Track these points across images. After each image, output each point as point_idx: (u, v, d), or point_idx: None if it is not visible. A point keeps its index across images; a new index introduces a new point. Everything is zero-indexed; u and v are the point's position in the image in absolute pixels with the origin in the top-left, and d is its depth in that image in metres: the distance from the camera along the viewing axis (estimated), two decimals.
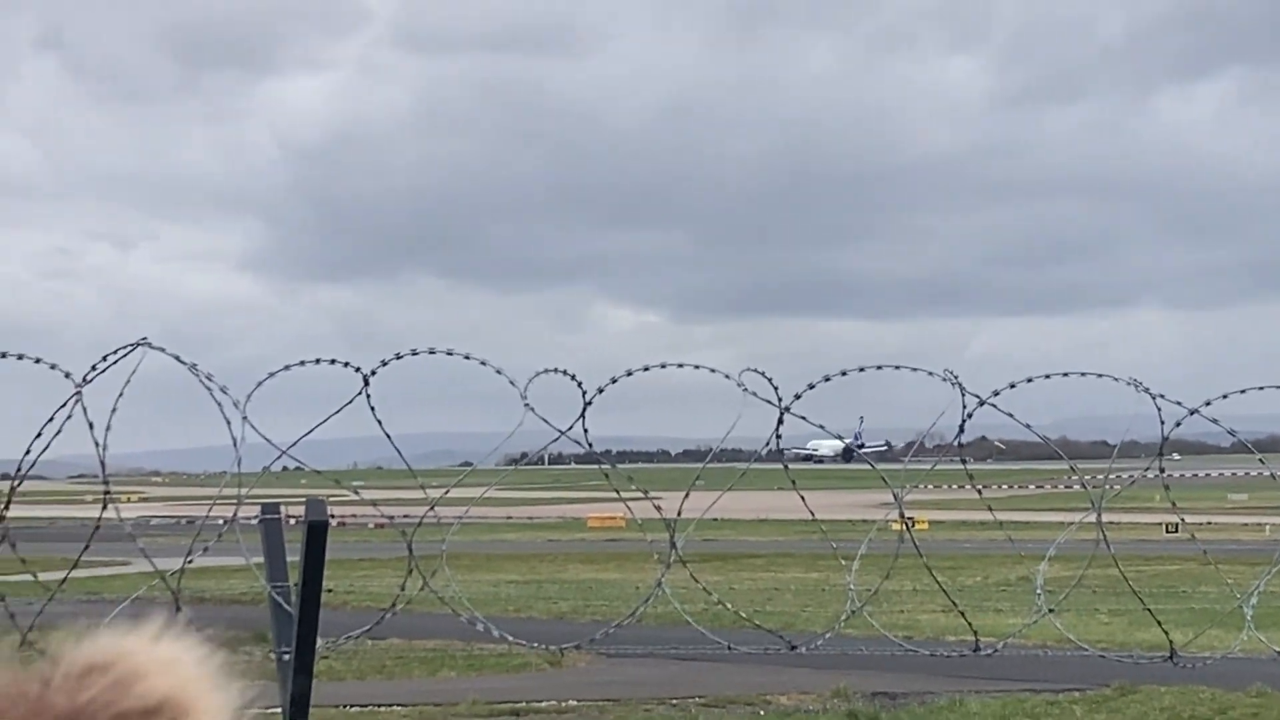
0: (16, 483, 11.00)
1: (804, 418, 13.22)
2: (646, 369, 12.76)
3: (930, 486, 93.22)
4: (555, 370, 12.42)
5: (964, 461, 14.53)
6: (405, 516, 14.07)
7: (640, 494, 13.42)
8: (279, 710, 11.11)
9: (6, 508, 10.97)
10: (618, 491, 13.89)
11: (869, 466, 15.46)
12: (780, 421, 13.16)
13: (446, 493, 12.26)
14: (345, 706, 29.72)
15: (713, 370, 12.91)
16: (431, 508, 12.08)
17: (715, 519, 42.84)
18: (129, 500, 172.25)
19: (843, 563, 14.85)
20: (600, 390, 12.35)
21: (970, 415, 13.94)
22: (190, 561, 11.17)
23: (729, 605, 14.97)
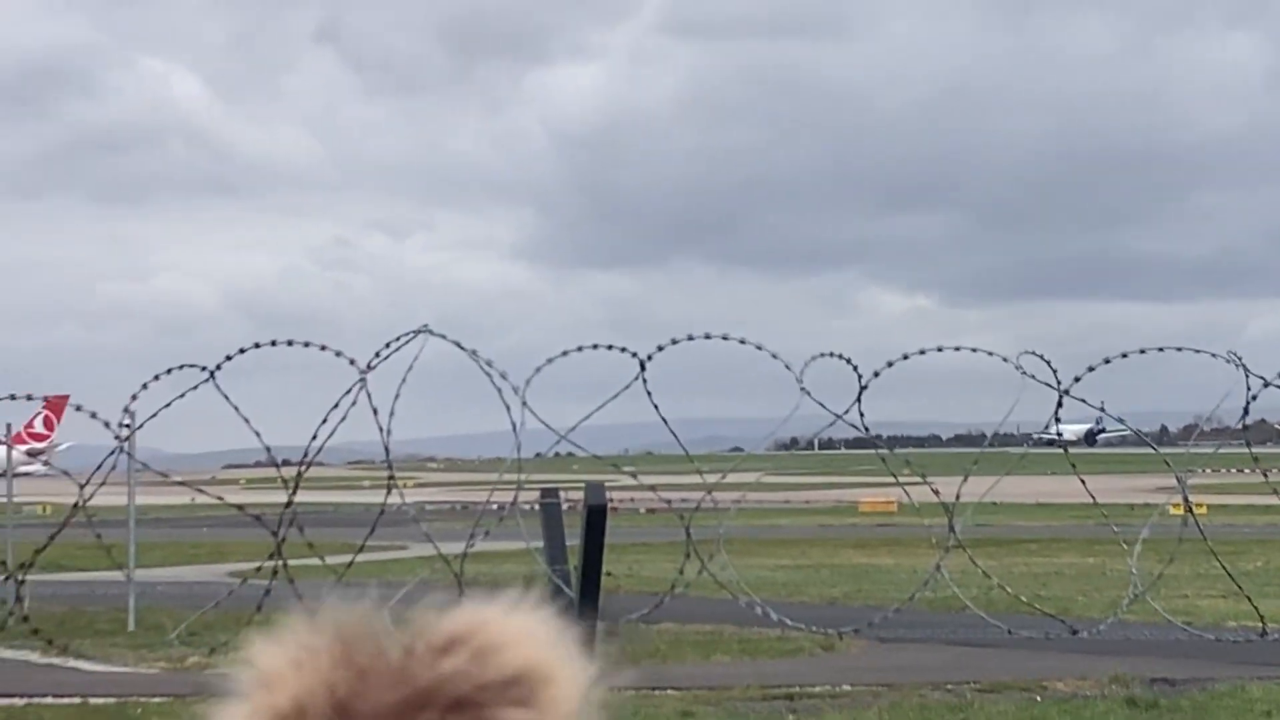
0: (304, 468, 11.26)
1: (1084, 400, 13.10)
2: (923, 352, 12.73)
3: (1207, 470, 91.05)
4: (831, 355, 12.43)
5: (1248, 444, 14.28)
6: (683, 500, 14.15)
7: (918, 478, 13.37)
8: None
9: (294, 493, 11.23)
10: (895, 476, 13.89)
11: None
12: (1059, 404, 13.06)
13: (724, 478, 12.34)
14: (619, 690, 29.97)
15: (990, 353, 12.87)
16: (709, 492, 12.16)
17: (993, 503, 42.38)
18: (406, 485, 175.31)
19: (1124, 546, 14.70)
20: (876, 374, 12.36)
21: (1255, 397, 13.73)
22: (472, 545, 11.38)
23: (1008, 589, 14.88)
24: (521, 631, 1.94)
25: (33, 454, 25.76)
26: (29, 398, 10.71)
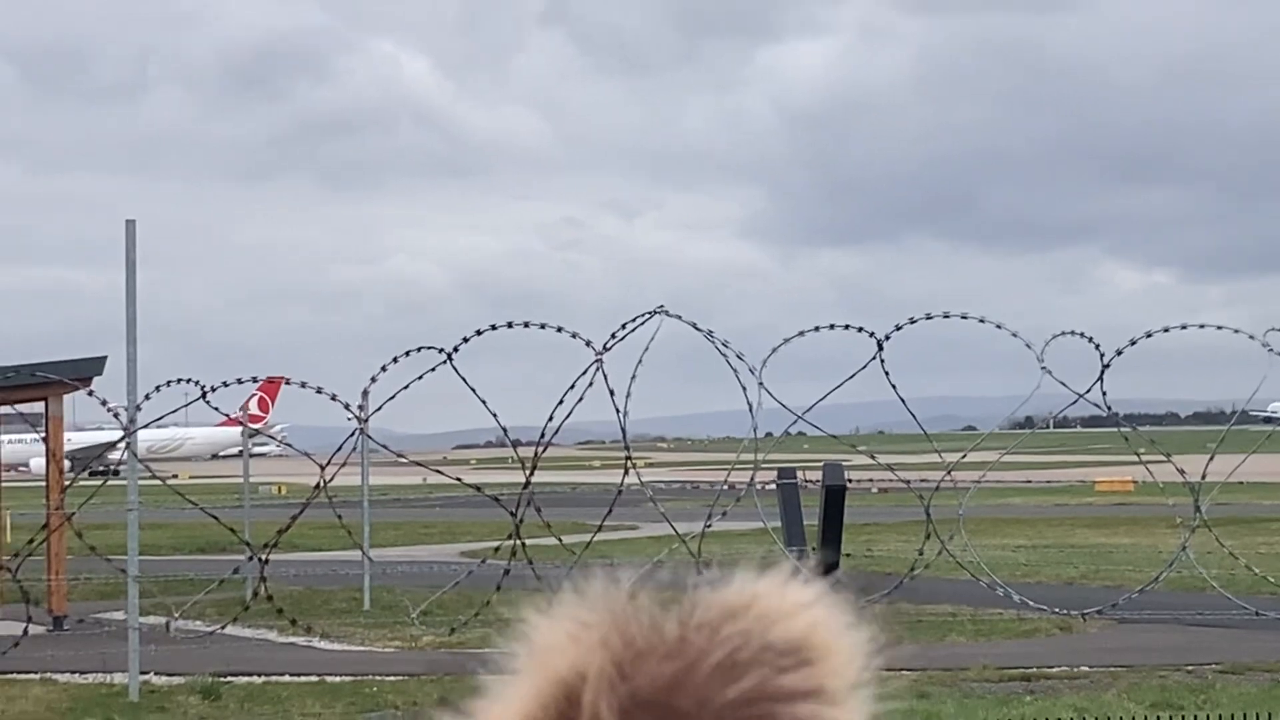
0: (543, 447, 11.31)
1: None
2: (1166, 330, 12.48)
3: None
4: (1071, 333, 12.22)
5: None
6: (921, 480, 14.02)
7: (1161, 456, 13.12)
8: None
9: (531, 473, 11.30)
10: (1137, 454, 13.62)
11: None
12: None
13: (963, 457, 12.20)
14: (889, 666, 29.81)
15: (1236, 330, 12.54)
16: (949, 472, 12.04)
17: (1238, 482, 41.60)
18: (635, 466, 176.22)
19: None
20: (1119, 352, 12.14)
21: None
22: (710, 525, 11.36)
23: (1255, 569, 14.54)
24: (799, 602, 1.91)
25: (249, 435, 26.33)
26: (254, 380, 10.89)
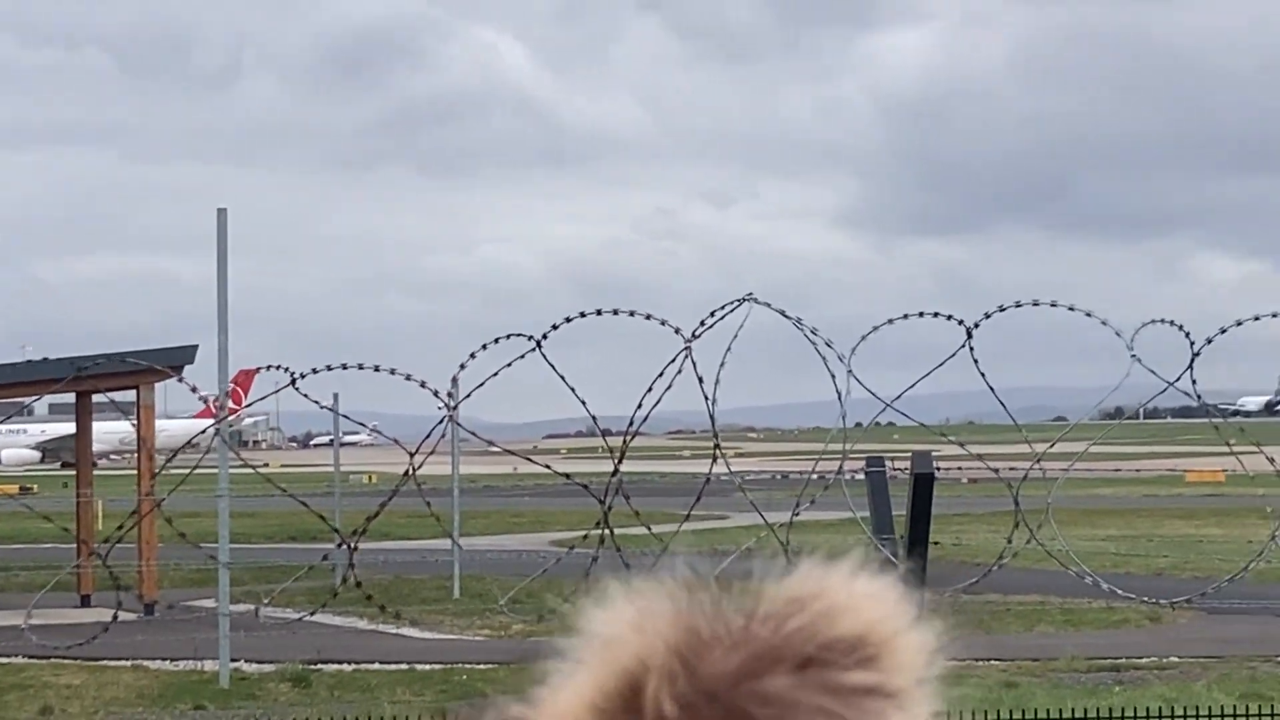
0: (631, 435, 11.35)
1: None
2: (1257, 318, 12.38)
3: None
4: (1161, 321, 12.16)
5: None
6: (1011, 469, 13.95)
7: (1252, 447, 13.03)
8: None
9: (620, 461, 11.34)
10: (1228, 444, 13.54)
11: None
12: None
13: (1051, 446, 12.16)
14: (954, 659, 29.79)
15: None
16: (1037, 461, 12.01)
17: None
18: (724, 455, 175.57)
19: None
20: (1209, 341, 12.04)
21: None
22: (798, 514, 11.38)
23: None
24: (865, 595, 1.90)
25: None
26: (344, 367, 11.01)
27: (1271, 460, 12.65)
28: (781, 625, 1.83)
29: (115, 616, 23.10)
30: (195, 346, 39.13)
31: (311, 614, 13.89)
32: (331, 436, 54.33)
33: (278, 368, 10.76)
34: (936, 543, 17.96)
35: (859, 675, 1.83)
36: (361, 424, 42.40)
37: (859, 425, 12.46)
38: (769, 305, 11.23)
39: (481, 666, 30.08)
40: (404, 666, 30.42)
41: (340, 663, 30.66)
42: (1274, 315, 12.62)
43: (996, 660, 30.10)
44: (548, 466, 12.18)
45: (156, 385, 41.23)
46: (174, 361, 37.57)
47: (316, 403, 11.05)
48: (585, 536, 11.27)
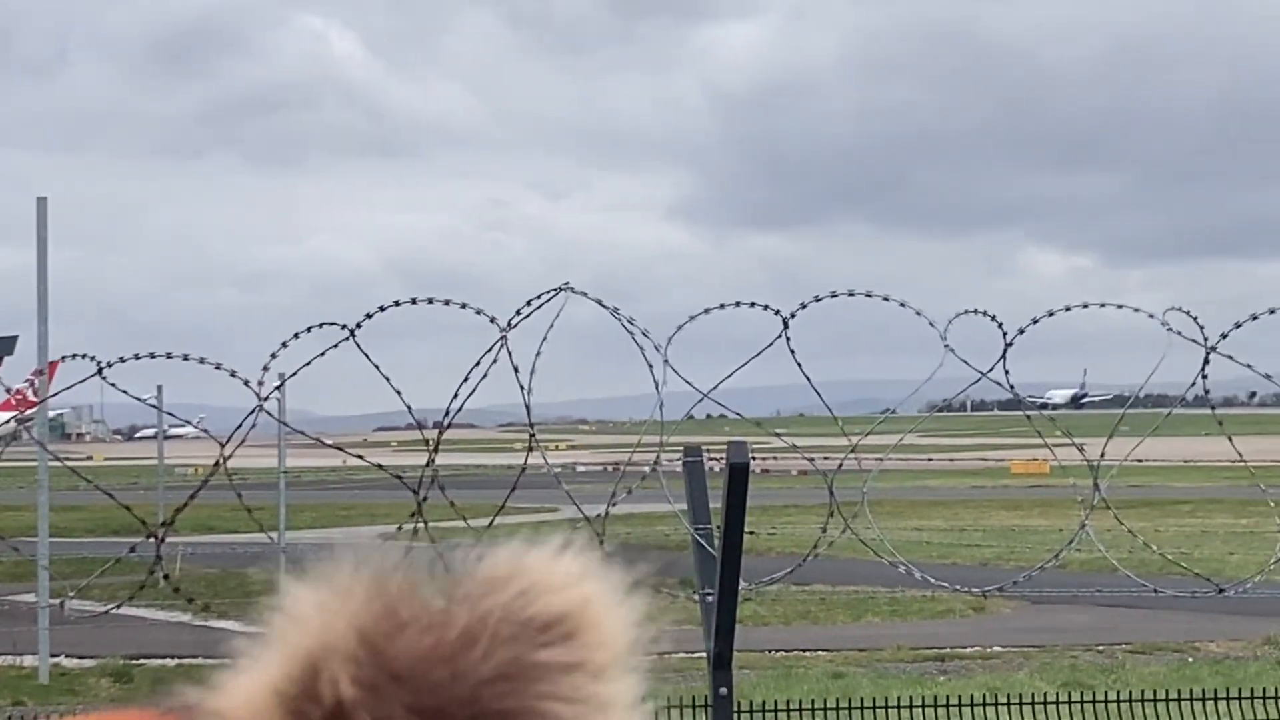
0: (444, 427, 11.28)
1: (1230, 357, 12.78)
2: (1068, 309, 12.50)
3: None
4: (975, 311, 12.24)
5: None
6: (824, 459, 14.04)
7: (1065, 439, 13.16)
8: (704, 652, 11.24)
9: (435, 451, 11.25)
10: (1041, 436, 13.67)
11: (1270, 411, 14.91)
12: (1206, 362, 12.75)
13: (864, 437, 12.21)
14: (770, 651, 29.96)
15: (1136, 310, 12.60)
16: (851, 451, 12.05)
17: (1138, 461, 42.01)
18: (557, 448, 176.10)
19: (1272, 505, 14.39)
20: (1021, 331, 12.13)
21: None
22: (614, 504, 11.35)
23: (1155, 548, 14.60)
24: (564, 574, 1.87)
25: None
26: (152, 356, 10.75)
27: (1081, 450, 12.79)
28: (479, 605, 1.80)
29: None
30: (15, 337, 38.54)
31: (117, 607, 13.64)
32: (156, 429, 53.57)
33: (84, 357, 10.57)
34: (753, 532, 18.08)
35: (556, 652, 1.80)
36: (186, 420, 41.95)
37: (690, 417, 12.47)
38: (585, 295, 11.17)
39: None
40: (229, 660, 30.10)
41: (163, 657, 30.30)
42: (1084, 306, 12.74)
43: (824, 650, 30.33)
44: (360, 457, 12.05)
45: None
46: None
47: (127, 393, 10.88)
48: (399, 528, 11.18)
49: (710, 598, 10.49)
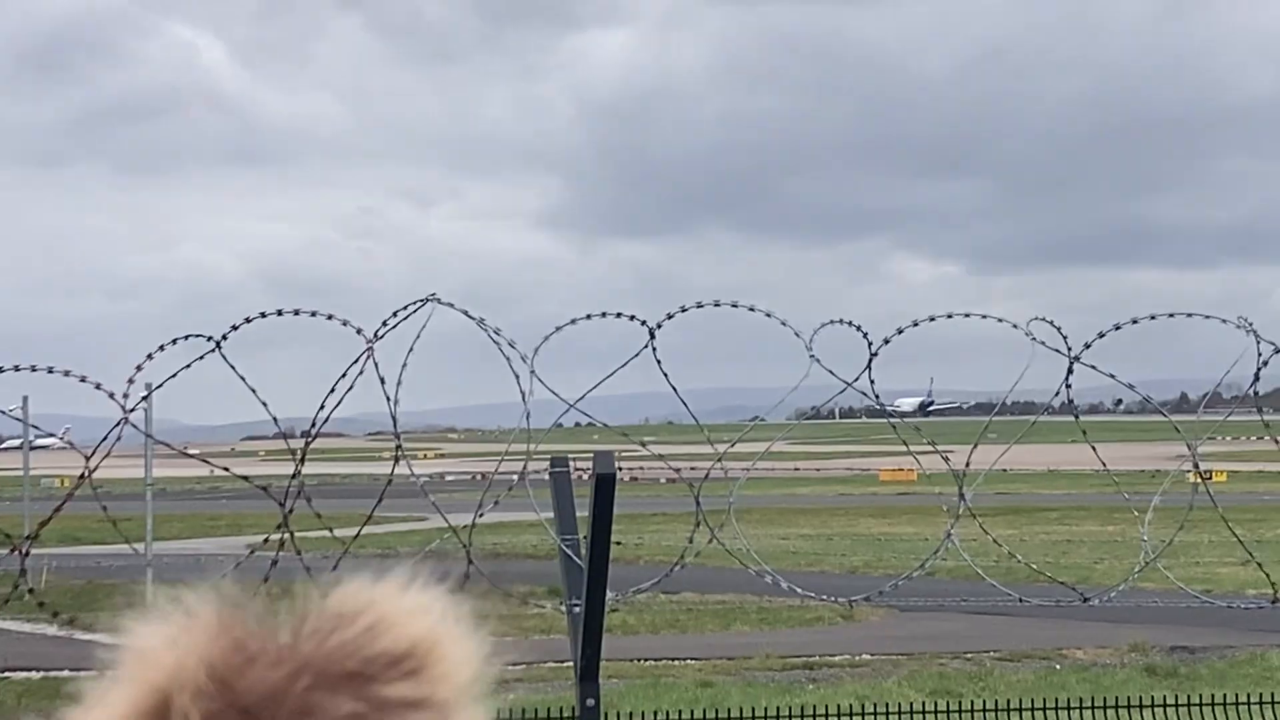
0: (311, 438, 11.25)
1: (1094, 367, 12.94)
2: (932, 319, 12.62)
3: (1229, 439, 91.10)
4: (841, 322, 12.33)
5: (1260, 411, 14.12)
6: (692, 469, 14.08)
7: (929, 446, 13.28)
8: (570, 662, 11.24)
9: (301, 462, 11.20)
10: (905, 444, 13.79)
11: (1133, 419, 15.07)
12: (1070, 371, 12.91)
13: (732, 446, 12.26)
14: (639, 660, 29.97)
15: (999, 320, 12.73)
16: (719, 460, 12.10)
17: (1005, 470, 42.25)
18: (425, 457, 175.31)
19: (1135, 514, 14.58)
20: (886, 341, 12.23)
21: (1265, 363, 13.60)
22: (481, 515, 11.35)
23: (1019, 558, 14.76)
24: (411, 607, 1.89)
25: None
26: (16, 369, 10.54)
27: (946, 459, 12.93)
28: (326, 640, 1.81)
29: None
30: None
31: None
32: (21, 440, 53.01)
33: None
34: (620, 542, 18.15)
35: (401, 688, 1.81)
36: (51, 433, 41.55)
37: (559, 426, 12.47)
38: (452, 305, 11.16)
39: None
40: (95, 673, 29.74)
41: (28, 670, 29.94)
42: (948, 316, 12.86)
43: (692, 660, 30.38)
44: (225, 468, 11.98)
45: None
46: None
47: None
48: (266, 540, 11.13)
49: (577, 608, 10.50)
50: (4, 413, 15.74)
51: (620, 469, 10.84)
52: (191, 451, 13.45)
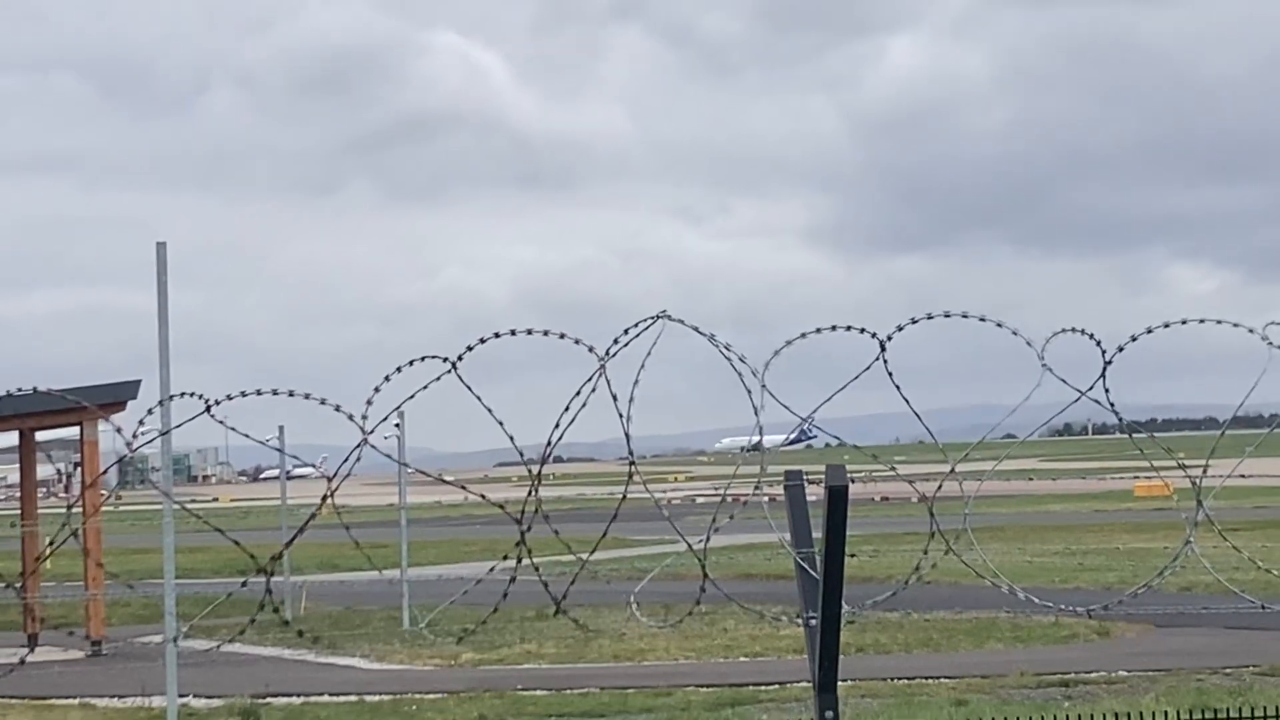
0: (544, 459, 11.35)
1: None
2: (1167, 325, 12.40)
3: None
4: (1074, 330, 12.17)
5: None
6: (925, 480, 14.01)
7: (1172, 461, 13.03)
8: (809, 679, 11.23)
9: (537, 481, 11.32)
10: (1148, 458, 13.56)
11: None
12: None
13: (963, 458, 12.17)
14: (892, 679, 29.78)
15: (1234, 325, 12.45)
16: (951, 471, 12.04)
17: (1249, 481, 41.43)
18: (676, 479, 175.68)
19: None
20: (1120, 349, 12.03)
21: None
22: (716, 530, 11.40)
23: (1259, 563, 14.40)
24: None
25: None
26: (273, 392, 10.70)
27: (1183, 467, 12.70)
28: None
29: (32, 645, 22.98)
30: (138, 382, 39.03)
31: (230, 641, 13.81)
32: (279, 469, 54.21)
33: (194, 395, 10.71)
34: (853, 555, 18.08)
35: None
36: (309, 463, 42.40)
37: (809, 447, 12.53)
38: (682, 322, 11.20)
39: (431, 696, 29.97)
40: (353, 698, 30.27)
41: (290, 695, 30.54)
42: (1183, 322, 12.64)
43: (946, 678, 30.14)
44: (462, 487, 12.17)
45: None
46: (118, 397, 37.51)
47: (236, 430, 10.97)
48: (505, 557, 11.28)
49: (814, 621, 10.50)
50: (261, 442, 16.12)
51: (867, 491, 10.85)
52: (446, 478, 13.64)
